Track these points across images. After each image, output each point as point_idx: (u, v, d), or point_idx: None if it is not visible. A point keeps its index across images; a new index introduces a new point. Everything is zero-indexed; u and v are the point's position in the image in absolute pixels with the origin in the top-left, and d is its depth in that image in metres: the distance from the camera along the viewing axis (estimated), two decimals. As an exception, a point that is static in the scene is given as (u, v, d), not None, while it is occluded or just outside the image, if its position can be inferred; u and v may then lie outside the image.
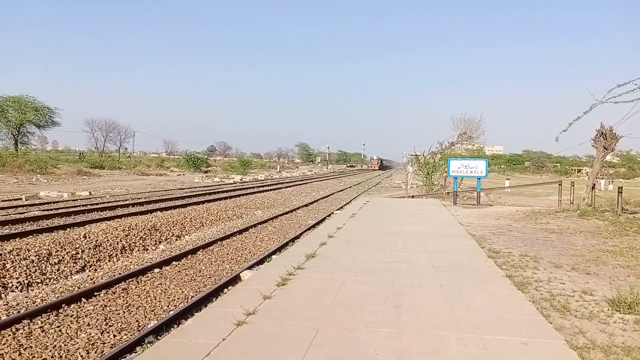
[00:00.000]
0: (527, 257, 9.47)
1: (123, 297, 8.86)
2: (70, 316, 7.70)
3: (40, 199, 22.80)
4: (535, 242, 11.31)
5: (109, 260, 11.89)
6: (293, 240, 13.89)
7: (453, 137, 32.04)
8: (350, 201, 26.56)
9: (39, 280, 9.77)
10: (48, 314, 7.67)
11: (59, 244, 11.41)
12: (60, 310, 7.88)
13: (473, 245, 10.64)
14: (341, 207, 22.98)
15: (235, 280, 9.62)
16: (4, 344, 6.54)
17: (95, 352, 6.50)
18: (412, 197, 27.96)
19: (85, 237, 12.30)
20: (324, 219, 18.64)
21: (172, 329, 6.56)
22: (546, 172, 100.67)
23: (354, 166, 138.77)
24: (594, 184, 19.85)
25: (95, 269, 11.13)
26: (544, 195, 31.62)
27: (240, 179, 48.65)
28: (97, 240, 12.45)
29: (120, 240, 13.06)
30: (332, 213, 20.59)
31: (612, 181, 49.75)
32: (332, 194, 33.89)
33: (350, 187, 44.22)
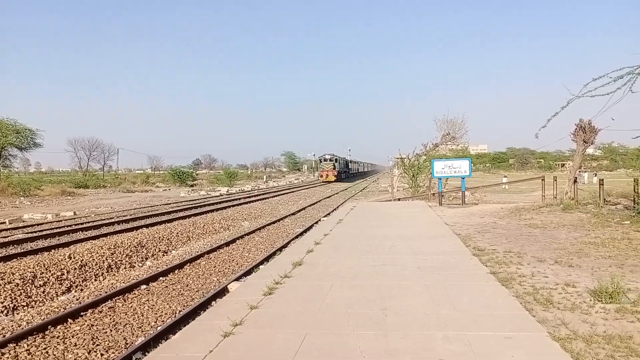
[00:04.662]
0: (511, 253, 9.58)
1: (110, 315, 8.78)
2: (57, 337, 7.61)
3: (24, 221, 22.52)
4: (519, 238, 11.44)
5: (95, 280, 11.78)
6: (280, 249, 13.87)
7: (437, 138, 32.32)
8: (337, 207, 26.61)
9: (24, 304, 9.64)
10: (34, 336, 7.57)
11: (44, 266, 11.29)
12: (47, 332, 7.79)
13: (458, 245, 10.74)
14: (328, 214, 23.00)
15: (222, 292, 9.57)
16: (-11, 370, 6.45)
17: (83, 372, 6.44)
18: (399, 200, 28.12)
19: (70, 258, 12.18)
20: (311, 227, 18.66)
21: (160, 344, 6.52)
22: (530, 168, 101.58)
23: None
24: (576, 178, 20.15)
25: (82, 289, 11.01)
26: (529, 192, 31.87)
27: (227, 191, 48.40)
28: (83, 260, 12.33)
29: (106, 259, 12.95)
30: (320, 220, 20.60)
31: (597, 174, 50.38)
32: (319, 201, 33.90)
33: (337, 193, 44.26)
